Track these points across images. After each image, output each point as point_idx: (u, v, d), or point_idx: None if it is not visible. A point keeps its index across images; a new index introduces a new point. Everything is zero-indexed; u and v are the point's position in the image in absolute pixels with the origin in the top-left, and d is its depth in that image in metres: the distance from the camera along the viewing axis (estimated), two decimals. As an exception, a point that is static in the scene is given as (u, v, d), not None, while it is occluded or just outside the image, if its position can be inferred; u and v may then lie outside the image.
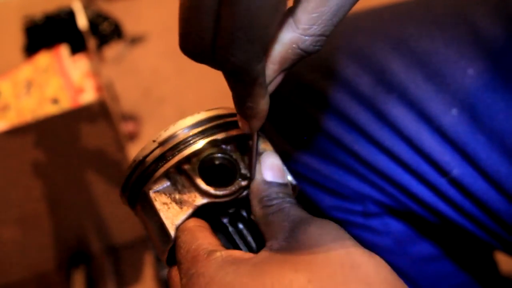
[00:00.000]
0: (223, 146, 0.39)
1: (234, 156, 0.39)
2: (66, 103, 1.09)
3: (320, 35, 0.32)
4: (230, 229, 0.39)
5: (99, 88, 1.11)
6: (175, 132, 0.38)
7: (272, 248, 0.32)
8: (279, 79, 0.35)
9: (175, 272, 0.36)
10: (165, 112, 1.74)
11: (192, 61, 0.31)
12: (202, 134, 0.38)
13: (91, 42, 1.31)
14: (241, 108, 0.33)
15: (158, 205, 0.37)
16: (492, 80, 0.49)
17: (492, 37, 0.50)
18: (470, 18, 0.52)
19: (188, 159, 0.38)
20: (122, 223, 1.31)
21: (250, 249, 0.38)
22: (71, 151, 1.14)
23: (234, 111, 0.38)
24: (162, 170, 0.38)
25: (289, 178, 0.41)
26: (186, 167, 0.38)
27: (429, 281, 0.62)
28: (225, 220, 0.40)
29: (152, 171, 0.38)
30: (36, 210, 1.20)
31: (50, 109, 1.08)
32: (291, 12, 0.32)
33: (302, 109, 0.59)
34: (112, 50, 1.89)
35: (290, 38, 0.32)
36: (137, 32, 2.04)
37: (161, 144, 0.38)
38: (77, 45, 1.24)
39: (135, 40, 2.03)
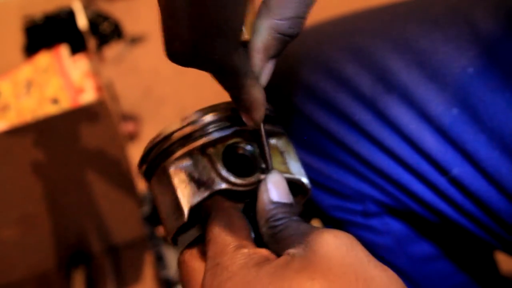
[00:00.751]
0: (249, 138, 0.39)
1: (257, 150, 0.39)
2: (66, 103, 1.09)
3: (294, 17, 0.33)
4: (245, 217, 0.39)
5: (99, 88, 1.11)
6: (207, 115, 0.38)
7: (290, 254, 0.32)
8: (269, 67, 0.35)
9: (188, 256, 0.37)
10: (165, 112, 1.74)
11: None
12: (232, 121, 0.38)
13: (91, 42, 1.31)
14: (238, 102, 0.34)
15: (176, 181, 0.37)
16: (492, 79, 0.49)
17: (493, 37, 0.50)
18: (470, 18, 0.52)
19: (214, 143, 0.38)
20: (122, 223, 1.31)
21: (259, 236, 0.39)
22: (71, 151, 1.14)
23: (268, 106, 0.39)
24: (186, 148, 0.37)
25: (305, 180, 0.41)
26: (211, 150, 0.38)
27: (429, 281, 0.62)
28: (240, 207, 0.40)
29: (177, 147, 0.38)
30: (36, 210, 1.20)
31: (50, 109, 1.08)
32: (264, 1, 0.33)
33: (301, 109, 0.59)
34: (112, 50, 1.89)
35: (267, 25, 0.33)
36: (137, 32, 2.04)
37: (191, 123, 0.37)
38: (77, 45, 1.24)
39: (135, 40, 2.03)
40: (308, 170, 0.61)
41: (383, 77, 0.54)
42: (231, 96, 0.34)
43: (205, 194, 0.37)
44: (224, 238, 0.34)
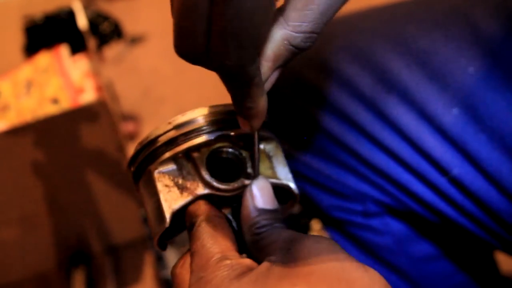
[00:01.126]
0: (235, 142, 0.39)
1: (243, 154, 0.39)
2: (66, 103, 1.09)
3: (310, 32, 0.33)
4: (232, 222, 0.40)
5: (99, 88, 1.11)
6: (192, 119, 0.38)
7: (271, 261, 0.32)
8: (275, 76, 0.35)
9: (180, 269, 0.36)
10: (165, 112, 1.74)
11: None
12: (217, 126, 0.38)
13: (91, 42, 1.31)
14: (240, 108, 0.34)
15: (160, 186, 0.38)
16: (492, 79, 0.49)
17: (493, 37, 0.50)
18: (471, 18, 0.52)
19: (198, 147, 0.38)
20: (122, 223, 1.31)
21: None
22: (71, 151, 1.15)
23: None
24: (171, 152, 0.38)
25: (292, 186, 0.41)
26: (195, 155, 0.38)
27: (429, 281, 0.62)
28: (226, 212, 0.40)
29: (161, 151, 0.38)
30: (36, 210, 1.20)
31: (50, 109, 1.08)
32: (281, 10, 0.33)
33: (302, 109, 0.59)
34: (112, 50, 1.89)
35: (281, 36, 0.33)
36: (137, 32, 2.04)
37: (176, 127, 0.38)
38: (77, 45, 1.24)
39: (135, 40, 2.03)
40: (308, 170, 0.61)
41: (383, 77, 0.54)
42: (234, 101, 0.34)
43: (188, 199, 0.37)
44: (207, 251, 0.34)
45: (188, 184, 0.38)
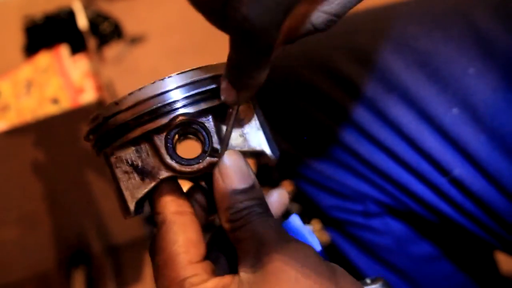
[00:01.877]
0: (197, 118, 0.34)
1: (208, 129, 0.34)
2: (66, 103, 1.09)
3: (334, 14, 0.32)
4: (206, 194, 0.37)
5: (99, 88, 1.11)
6: (141, 100, 0.33)
7: (242, 278, 0.31)
8: (279, 51, 0.33)
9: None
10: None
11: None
12: (171, 105, 0.33)
13: (91, 42, 1.31)
14: (239, 77, 0.31)
15: (118, 173, 0.34)
16: (493, 80, 0.49)
17: (493, 37, 0.50)
18: (471, 18, 0.52)
19: (157, 130, 0.33)
20: (122, 223, 1.31)
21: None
22: (71, 151, 1.14)
23: (211, 72, 0.34)
24: (125, 138, 0.34)
25: (267, 151, 0.36)
26: (154, 136, 0.34)
27: (429, 281, 0.62)
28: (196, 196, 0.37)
29: (114, 136, 0.34)
30: (36, 210, 1.20)
31: (50, 109, 1.08)
32: None
33: (302, 109, 0.59)
34: (112, 50, 1.89)
35: (305, 11, 0.32)
36: (137, 32, 2.04)
37: (125, 110, 0.33)
38: (77, 45, 1.24)
39: (135, 40, 2.03)
40: (308, 170, 0.61)
41: (383, 77, 0.54)
42: (237, 68, 0.30)
43: (151, 185, 0.34)
44: (170, 270, 0.32)
45: (149, 168, 0.34)
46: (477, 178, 0.49)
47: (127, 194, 0.34)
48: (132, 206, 0.34)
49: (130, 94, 0.33)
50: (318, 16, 0.32)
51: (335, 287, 0.30)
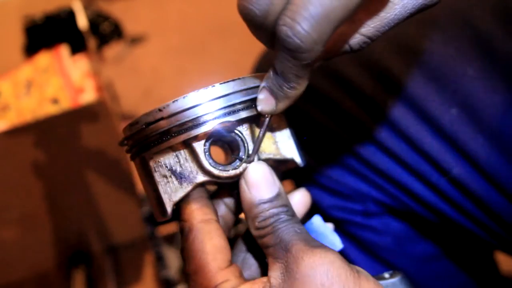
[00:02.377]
0: (234, 127, 0.36)
1: (245, 135, 0.36)
2: (66, 103, 1.09)
3: (369, 37, 0.34)
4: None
5: (99, 88, 1.11)
6: (185, 108, 0.34)
7: (273, 283, 0.33)
8: (316, 66, 0.35)
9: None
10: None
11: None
12: (214, 114, 0.35)
13: (91, 42, 1.31)
14: (281, 88, 0.33)
15: (157, 176, 0.36)
16: (491, 81, 0.49)
17: (492, 38, 0.50)
18: (470, 19, 0.52)
19: (195, 137, 0.35)
20: (122, 223, 1.31)
21: None
22: (71, 151, 1.15)
23: (251, 83, 0.36)
24: (166, 144, 0.35)
25: (297, 160, 0.39)
26: (193, 143, 0.36)
27: (428, 280, 0.62)
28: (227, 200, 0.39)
29: (155, 141, 0.35)
30: (36, 210, 1.20)
31: (50, 109, 1.08)
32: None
33: (302, 110, 0.59)
34: (112, 50, 1.89)
35: (344, 31, 0.33)
36: (137, 32, 2.04)
37: (168, 117, 0.35)
38: (77, 45, 1.24)
39: (135, 40, 2.03)
40: (308, 170, 0.61)
41: (383, 77, 0.54)
42: (282, 76, 0.32)
43: (188, 189, 0.36)
44: (202, 278, 0.34)
45: (187, 172, 0.36)
46: (476, 178, 0.49)
47: (165, 197, 0.36)
48: (170, 208, 0.36)
49: (174, 101, 0.35)
50: (355, 37, 0.34)
51: None
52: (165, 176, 0.36)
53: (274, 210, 0.34)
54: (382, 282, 0.35)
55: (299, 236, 0.33)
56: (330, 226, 0.39)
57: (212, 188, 0.40)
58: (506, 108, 0.48)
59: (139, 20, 2.13)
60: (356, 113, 0.55)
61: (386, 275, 0.36)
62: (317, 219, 0.39)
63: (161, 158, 0.36)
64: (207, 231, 0.35)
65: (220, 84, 0.35)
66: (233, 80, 0.35)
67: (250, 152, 0.36)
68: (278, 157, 0.38)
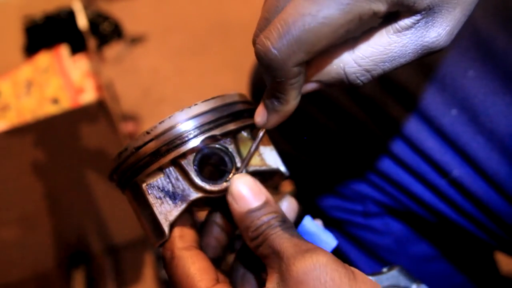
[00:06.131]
0: (220, 140, 0.38)
1: (230, 150, 0.38)
2: (66, 103, 1.09)
3: (367, 70, 0.33)
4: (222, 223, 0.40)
5: (99, 88, 1.11)
6: (171, 126, 0.36)
7: None
8: (311, 86, 0.35)
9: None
10: (165, 112, 1.73)
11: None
12: (200, 128, 0.36)
13: (91, 42, 1.31)
14: (271, 101, 0.34)
15: (151, 199, 0.37)
16: (492, 82, 0.49)
17: (493, 39, 0.50)
18: (471, 20, 0.52)
19: (184, 154, 0.36)
20: (122, 223, 1.31)
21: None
22: (71, 151, 1.14)
23: (231, 100, 0.38)
24: (156, 164, 0.36)
25: (282, 169, 0.40)
26: (182, 161, 0.37)
27: (428, 281, 0.62)
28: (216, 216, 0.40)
29: (146, 163, 0.36)
30: (36, 210, 1.20)
31: (50, 109, 1.08)
32: (355, 39, 0.33)
33: (302, 109, 0.59)
34: (112, 50, 1.89)
35: (342, 57, 0.33)
36: (137, 32, 2.04)
37: (157, 137, 0.36)
38: (77, 45, 1.24)
39: (135, 40, 2.03)
40: (309, 170, 0.61)
41: (382, 78, 0.54)
42: (268, 90, 0.34)
43: (182, 207, 0.37)
44: None
45: (179, 191, 0.37)
46: (476, 179, 0.49)
47: (161, 217, 0.37)
48: (167, 228, 0.37)
49: (160, 122, 0.36)
50: (352, 67, 0.33)
51: None
52: (159, 198, 0.37)
53: (265, 218, 0.35)
54: (381, 276, 0.35)
55: (290, 242, 0.33)
56: (319, 223, 0.39)
57: (203, 214, 0.41)
58: (506, 109, 0.48)
59: (139, 20, 2.13)
60: (355, 113, 0.55)
61: (384, 269, 0.36)
62: (307, 221, 0.39)
63: (153, 180, 0.37)
64: (188, 256, 0.36)
65: (202, 102, 0.36)
66: (213, 98, 0.37)
67: (238, 164, 0.37)
68: (264, 168, 0.39)
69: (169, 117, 0.36)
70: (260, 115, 0.35)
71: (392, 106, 0.53)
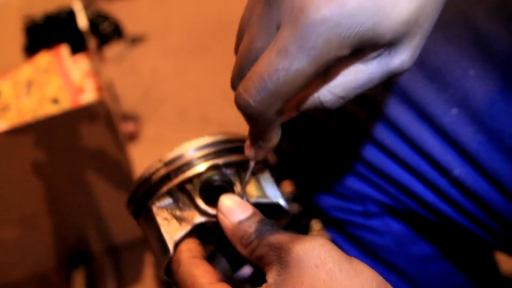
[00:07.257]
0: (223, 169, 0.42)
1: (232, 179, 0.42)
2: (66, 103, 1.09)
3: (341, 97, 0.34)
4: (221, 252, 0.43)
5: (99, 88, 1.11)
6: (180, 154, 0.41)
7: (270, 282, 0.34)
8: (288, 116, 0.37)
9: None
10: (165, 112, 1.74)
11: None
12: (205, 157, 0.41)
13: (91, 42, 1.31)
14: (253, 141, 0.36)
15: (159, 219, 0.40)
16: (492, 81, 0.49)
17: (493, 38, 0.50)
18: (471, 19, 0.52)
19: (190, 179, 0.41)
20: (122, 223, 1.31)
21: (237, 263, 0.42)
22: (71, 151, 1.14)
23: (234, 137, 0.42)
24: (165, 188, 0.41)
25: (282, 203, 0.43)
26: (188, 186, 0.41)
27: (429, 281, 0.62)
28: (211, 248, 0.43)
29: (157, 188, 0.41)
30: (36, 210, 1.20)
31: (50, 109, 1.08)
32: (326, 70, 0.34)
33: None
34: (112, 50, 1.89)
35: (315, 87, 0.35)
36: (137, 32, 2.04)
37: (167, 164, 0.41)
38: (77, 45, 1.24)
39: (135, 40, 2.03)
40: (308, 170, 0.61)
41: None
42: (250, 134, 0.36)
43: (187, 228, 0.40)
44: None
45: (185, 215, 0.41)
46: (477, 179, 0.49)
47: (167, 237, 0.40)
48: (171, 246, 0.40)
49: (171, 151, 0.41)
50: (325, 95, 0.35)
51: (354, 271, 0.32)
52: (166, 219, 0.41)
53: (256, 225, 0.37)
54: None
55: (285, 234, 0.35)
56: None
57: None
58: (507, 108, 0.48)
59: (139, 20, 2.13)
60: (355, 112, 0.55)
61: None
62: None
63: (162, 203, 0.41)
64: (193, 263, 0.38)
65: (210, 135, 0.42)
66: (219, 133, 0.43)
67: (239, 193, 0.41)
68: (265, 200, 0.43)
69: (178, 146, 0.41)
70: (248, 150, 0.37)
71: (392, 105, 0.53)
